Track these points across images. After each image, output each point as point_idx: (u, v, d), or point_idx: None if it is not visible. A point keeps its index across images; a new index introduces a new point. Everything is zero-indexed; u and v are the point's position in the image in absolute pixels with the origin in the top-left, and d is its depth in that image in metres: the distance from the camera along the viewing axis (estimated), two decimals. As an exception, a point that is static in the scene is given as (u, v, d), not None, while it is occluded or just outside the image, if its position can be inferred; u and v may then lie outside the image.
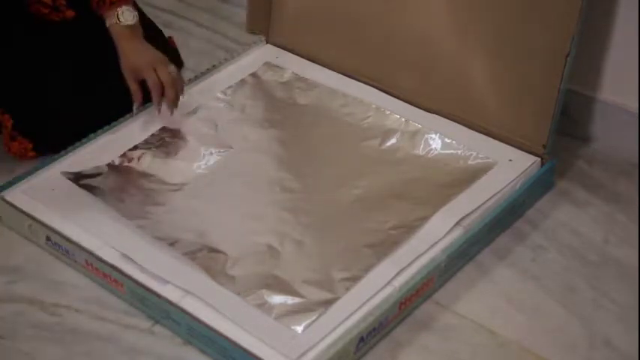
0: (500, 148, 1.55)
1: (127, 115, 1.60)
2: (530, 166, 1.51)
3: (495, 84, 1.55)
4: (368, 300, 1.28)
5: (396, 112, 1.62)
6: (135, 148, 1.55)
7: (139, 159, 1.53)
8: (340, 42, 1.72)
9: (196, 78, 1.72)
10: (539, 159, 1.52)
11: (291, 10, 1.78)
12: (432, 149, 1.56)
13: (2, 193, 1.46)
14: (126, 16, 1.55)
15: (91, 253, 1.36)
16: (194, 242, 1.38)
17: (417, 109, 1.63)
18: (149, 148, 1.55)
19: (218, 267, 1.33)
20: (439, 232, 1.38)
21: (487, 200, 1.44)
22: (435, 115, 1.61)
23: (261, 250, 1.37)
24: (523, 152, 1.53)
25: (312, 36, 1.76)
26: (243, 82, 1.72)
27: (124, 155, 1.53)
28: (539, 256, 1.44)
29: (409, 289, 1.30)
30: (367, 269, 1.32)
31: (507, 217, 1.47)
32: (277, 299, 1.28)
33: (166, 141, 1.57)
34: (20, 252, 1.44)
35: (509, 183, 1.48)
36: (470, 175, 1.49)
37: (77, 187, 1.46)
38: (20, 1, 1.61)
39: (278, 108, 1.68)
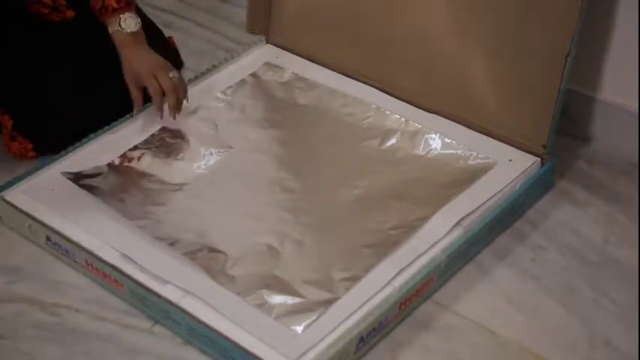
0: (500, 148, 1.55)
1: (127, 116, 1.60)
2: (530, 166, 1.51)
3: (495, 84, 1.55)
4: (368, 300, 1.28)
5: (396, 112, 1.62)
6: (135, 148, 1.55)
7: (139, 159, 1.53)
8: (340, 42, 1.72)
9: (196, 78, 1.72)
10: (539, 159, 1.52)
11: (291, 10, 1.78)
12: (432, 149, 1.56)
13: (2, 193, 1.46)
14: (128, 23, 1.54)
15: (91, 253, 1.36)
16: (194, 242, 1.38)
17: (417, 109, 1.62)
18: (149, 148, 1.55)
19: (218, 267, 1.33)
20: (439, 232, 1.38)
21: (487, 200, 1.44)
22: (435, 115, 1.61)
23: (261, 250, 1.37)
24: (523, 152, 1.53)
25: (312, 36, 1.76)
26: (243, 82, 1.72)
27: (124, 155, 1.53)
28: (539, 256, 1.44)
29: (409, 289, 1.30)
30: (367, 269, 1.32)
31: (507, 217, 1.47)
32: (277, 299, 1.28)
33: (166, 141, 1.57)
34: (20, 252, 1.44)
35: (509, 183, 1.47)
36: (470, 175, 1.49)
37: (77, 187, 1.46)
38: (20, 1, 1.61)
39: (278, 108, 1.68)
